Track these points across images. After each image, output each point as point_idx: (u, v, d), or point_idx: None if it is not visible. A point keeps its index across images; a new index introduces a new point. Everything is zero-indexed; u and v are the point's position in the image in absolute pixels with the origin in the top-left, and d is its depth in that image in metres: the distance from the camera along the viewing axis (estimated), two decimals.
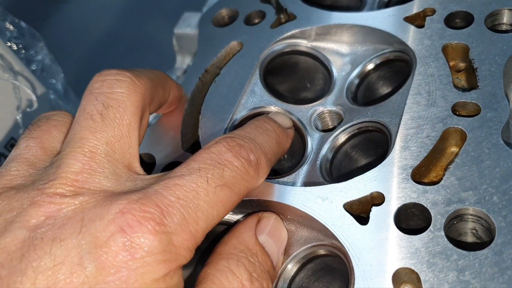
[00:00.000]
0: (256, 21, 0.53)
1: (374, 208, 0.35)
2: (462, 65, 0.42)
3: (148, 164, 0.44)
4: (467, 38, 0.42)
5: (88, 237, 0.28)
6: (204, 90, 0.48)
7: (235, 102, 0.46)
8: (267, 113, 0.45)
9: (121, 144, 0.34)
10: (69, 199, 0.30)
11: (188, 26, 0.57)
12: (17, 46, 0.75)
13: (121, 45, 0.94)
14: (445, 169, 0.35)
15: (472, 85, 0.40)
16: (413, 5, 0.46)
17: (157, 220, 0.29)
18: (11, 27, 0.76)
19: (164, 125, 0.47)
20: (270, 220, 0.37)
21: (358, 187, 0.36)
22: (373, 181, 0.36)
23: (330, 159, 0.42)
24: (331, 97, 0.47)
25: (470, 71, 0.40)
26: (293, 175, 0.42)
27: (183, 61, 0.59)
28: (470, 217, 0.33)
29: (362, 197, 0.36)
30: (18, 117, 0.52)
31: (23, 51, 0.77)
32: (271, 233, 0.36)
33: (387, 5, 0.51)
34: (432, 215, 0.33)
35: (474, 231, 0.34)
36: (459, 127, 0.37)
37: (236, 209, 0.38)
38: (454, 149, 0.38)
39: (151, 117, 0.47)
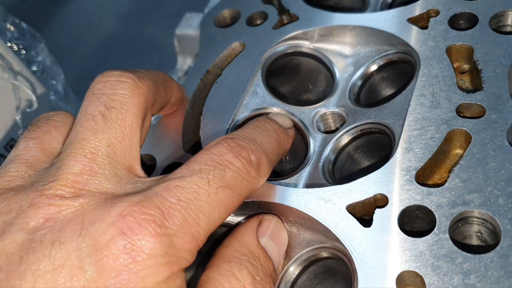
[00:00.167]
0: (258, 22, 0.52)
1: (377, 210, 0.34)
2: (466, 66, 0.42)
3: (149, 165, 0.44)
4: (472, 40, 0.41)
5: (88, 240, 0.28)
6: (205, 91, 0.48)
7: (237, 103, 0.45)
8: (269, 114, 0.44)
9: (123, 146, 0.33)
10: (69, 201, 0.29)
11: (189, 27, 0.57)
12: (17, 47, 0.75)
13: (122, 46, 0.94)
14: (450, 171, 0.35)
15: (476, 87, 0.39)
16: (417, 6, 0.46)
17: (158, 222, 0.28)
18: (12, 28, 0.76)
19: (165, 126, 0.47)
20: (271, 223, 0.37)
21: (361, 189, 0.36)
22: (376, 183, 0.36)
23: (332, 161, 0.42)
24: (333, 99, 0.47)
25: (475, 73, 0.40)
26: (295, 176, 0.42)
27: (184, 62, 0.59)
28: (475, 219, 0.33)
29: (365, 199, 0.35)
30: (17, 118, 0.52)
31: (24, 52, 0.77)
32: (272, 236, 0.36)
33: (390, 6, 0.51)
34: (437, 217, 0.33)
35: (479, 234, 0.34)
36: (464, 128, 0.36)
37: (237, 211, 0.38)
38: (458, 151, 0.37)
39: (152, 118, 0.46)
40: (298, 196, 0.37)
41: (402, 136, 0.38)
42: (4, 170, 0.33)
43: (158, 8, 0.95)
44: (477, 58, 0.40)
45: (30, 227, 0.28)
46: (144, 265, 0.27)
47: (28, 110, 0.54)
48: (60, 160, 0.32)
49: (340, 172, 0.42)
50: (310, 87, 0.52)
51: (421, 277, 0.31)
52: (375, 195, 0.35)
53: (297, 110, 0.46)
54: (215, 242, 0.36)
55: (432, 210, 0.33)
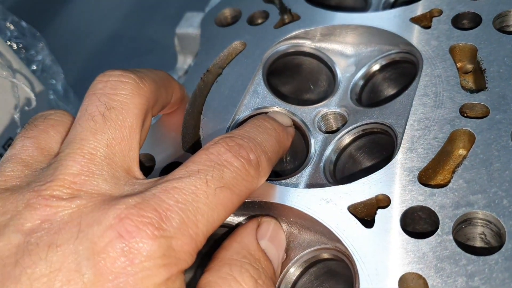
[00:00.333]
0: (259, 21, 0.52)
1: (379, 211, 0.34)
2: (469, 66, 0.41)
3: (147, 165, 0.43)
4: (475, 39, 0.41)
5: (85, 243, 0.27)
6: (206, 90, 0.48)
7: (237, 102, 0.45)
8: (268, 113, 0.44)
9: (122, 147, 0.33)
10: (65, 202, 0.29)
11: (190, 26, 0.56)
12: (17, 46, 0.75)
13: (122, 46, 0.93)
14: (453, 172, 0.34)
15: (480, 87, 0.39)
16: (420, 6, 0.46)
17: (156, 225, 0.28)
18: (12, 27, 0.75)
19: (164, 125, 0.46)
20: (270, 225, 0.36)
21: (363, 189, 0.35)
22: (378, 183, 0.35)
23: (334, 161, 0.42)
24: (335, 99, 0.46)
25: (478, 73, 0.40)
26: (296, 177, 0.41)
27: (185, 61, 0.58)
28: (479, 221, 0.32)
29: (367, 200, 0.35)
30: (16, 116, 0.52)
31: (23, 51, 0.76)
32: (271, 238, 0.35)
33: (392, 6, 0.51)
34: (440, 218, 0.32)
35: (482, 236, 0.33)
36: (467, 128, 0.36)
37: (237, 211, 0.37)
38: (461, 151, 0.37)
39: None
40: (299, 196, 0.36)
41: (404, 136, 0.37)
42: None
43: (159, 7, 0.95)
44: (481, 58, 0.40)
45: (26, 229, 0.28)
46: (142, 267, 0.27)
47: (26, 108, 0.54)
48: (58, 160, 0.31)
49: (342, 172, 0.42)
50: (311, 87, 0.51)
51: (424, 279, 0.30)
52: (377, 196, 0.35)
53: (298, 109, 0.45)
54: (215, 243, 0.35)
55: (435, 211, 0.33)
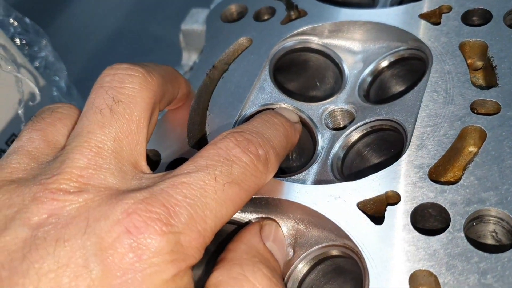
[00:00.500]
0: (266, 17, 0.51)
1: (389, 208, 0.33)
2: (479, 63, 0.41)
3: (154, 160, 0.43)
4: (486, 36, 0.40)
5: (93, 238, 0.27)
6: (211, 86, 0.47)
7: (243, 99, 0.44)
8: (275, 108, 0.43)
9: (129, 141, 0.32)
10: (73, 196, 0.28)
11: (195, 22, 0.56)
12: (20, 42, 0.74)
13: (126, 43, 0.93)
14: (464, 169, 0.34)
15: (490, 83, 0.38)
16: (428, 2, 0.45)
17: (164, 220, 0.27)
18: (15, 23, 0.75)
19: (170, 121, 0.46)
20: (272, 227, 0.36)
21: (372, 186, 0.35)
22: (388, 179, 0.35)
23: (341, 158, 0.41)
24: (342, 95, 0.46)
25: (489, 69, 0.39)
26: (303, 173, 0.41)
27: (190, 58, 0.58)
28: (491, 218, 0.32)
29: (376, 196, 0.34)
30: (20, 111, 0.51)
31: (27, 47, 0.76)
32: (275, 240, 0.35)
33: (400, 2, 0.50)
34: (451, 215, 0.32)
35: (493, 234, 0.33)
36: (478, 125, 0.35)
37: (245, 207, 0.37)
38: (472, 148, 0.36)
39: None
40: (306, 193, 0.36)
41: (414, 132, 0.37)
42: (5, 161, 0.32)
43: (163, 4, 0.95)
44: (492, 55, 0.39)
45: (33, 223, 0.27)
46: (150, 263, 0.26)
47: (31, 103, 0.53)
48: (65, 154, 0.31)
49: (349, 169, 0.41)
50: (318, 84, 0.51)
51: (435, 276, 0.30)
52: (386, 192, 0.34)
53: (305, 106, 0.45)
54: (224, 240, 0.35)
55: (446, 208, 0.32)
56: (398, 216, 0.33)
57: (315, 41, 0.49)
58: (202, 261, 0.33)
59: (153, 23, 0.94)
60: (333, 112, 0.45)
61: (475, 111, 0.37)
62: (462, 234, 0.31)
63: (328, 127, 0.44)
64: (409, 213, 0.33)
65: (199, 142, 0.43)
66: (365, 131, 0.42)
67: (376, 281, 0.30)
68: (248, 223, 0.38)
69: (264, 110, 0.44)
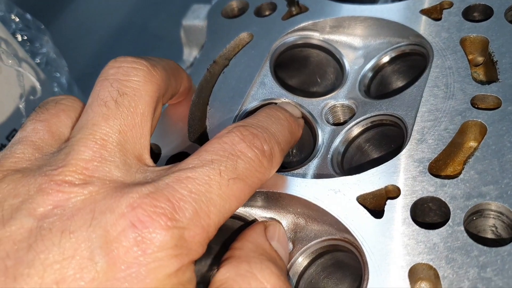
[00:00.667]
0: (267, 13, 0.51)
1: (389, 202, 0.33)
2: (480, 59, 0.41)
3: (155, 155, 0.43)
4: (487, 31, 0.40)
5: (99, 231, 0.27)
6: (212, 81, 0.47)
7: (244, 93, 0.44)
8: (277, 103, 0.43)
9: (133, 134, 0.32)
10: (78, 188, 0.28)
11: (196, 17, 0.56)
12: (22, 38, 0.74)
13: (127, 41, 0.93)
14: (464, 163, 0.34)
15: (491, 78, 0.38)
16: None
17: (169, 215, 0.27)
18: (17, 19, 0.75)
19: (170, 116, 0.46)
20: (276, 227, 0.36)
21: (372, 180, 0.35)
22: (388, 173, 0.35)
23: (342, 152, 0.41)
24: (343, 91, 0.46)
25: (490, 65, 0.39)
26: (303, 168, 0.41)
27: (190, 54, 0.58)
28: (491, 213, 0.32)
29: (376, 190, 0.34)
30: (21, 106, 0.51)
31: (28, 44, 0.76)
32: (279, 240, 0.35)
33: None
34: (451, 209, 0.32)
35: (493, 229, 0.33)
36: (479, 120, 0.35)
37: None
38: (472, 143, 0.36)
39: None
40: (306, 187, 0.36)
41: (414, 127, 0.37)
42: (9, 151, 0.32)
43: (165, 1, 0.95)
44: (493, 50, 0.39)
45: (38, 214, 0.27)
46: (155, 257, 0.27)
47: (32, 97, 0.53)
48: (70, 145, 0.31)
49: (349, 164, 0.41)
50: (319, 80, 0.51)
51: (434, 269, 0.30)
52: (386, 186, 0.34)
53: (305, 101, 0.45)
54: (232, 234, 0.35)
55: (446, 201, 0.32)
56: (398, 210, 0.33)
57: (316, 37, 0.49)
58: (205, 258, 0.33)
59: (154, 20, 0.94)
60: (333, 108, 0.45)
61: (476, 106, 0.36)
62: (462, 228, 0.31)
63: (328, 122, 0.44)
64: (409, 207, 0.33)
65: (200, 137, 0.43)
66: (365, 126, 0.42)
67: (376, 275, 0.30)
68: (247, 220, 0.37)
69: (265, 105, 0.44)
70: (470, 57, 0.40)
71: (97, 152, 0.30)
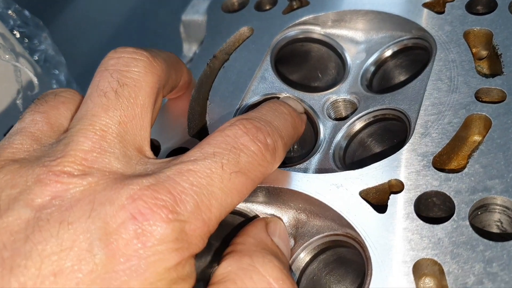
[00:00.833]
0: (267, 7, 0.51)
1: (392, 196, 0.33)
2: (484, 53, 0.40)
3: (155, 147, 0.42)
4: (491, 24, 0.40)
5: (98, 222, 0.26)
6: (212, 76, 0.46)
7: (244, 88, 0.44)
8: (279, 98, 0.43)
9: (133, 125, 0.32)
10: (77, 179, 0.28)
11: (196, 12, 0.55)
12: (20, 35, 0.74)
13: (127, 37, 0.92)
14: (469, 157, 0.33)
15: (495, 72, 0.38)
16: None
17: (170, 208, 0.27)
18: (14, 15, 0.74)
19: (170, 111, 0.45)
20: (277, 224, 0.35)
21: (375, 175, 0.34)
22: (391, 168, 0.34)
23: (344, 147, 0.40)
24: (344, 86, 0.45)
25: (494, 58, 0.38)
26: (305, 163, 0.40)
27: (190, 49, 0.57)
28: (496, 207, 0.31)
29: (379, 185, 0.34)
30: (18, 102, 0.50)
31: (26, 40, 0.75)
32: (281, 236, 0.34)
33: None
34: (456, 204, 0.31)
35: (499, 223, 0.32)
36: (483, 113, 0.35)
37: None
38: (476, 137, 0.36)
39: None
40: (308, 182, 0.35)
41: (418, 121, 0.36)
42: (8, 141, 0.31)
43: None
44: (497, 43, 0.39)
45: (36, 204, 0.27)
46: (154, 250, 0.26)
47: (29, 93, 0.53)
48: (69, 136, 0.30)
49: (351, 159, 0.41)
50: (320, 75, 0.50)
51: (439, 265, 0.29)
52: (389, 181, 0.34)
53: (307, 96, 0.44)
54: (232, 230, 0.34)
55: (450, 196, 0.32)
56: (401, 205, 0.32)
57: (317, 31, 0.48)
58: (206, 254, 0.33)
59: (154, 16, 0.93)
60: (335, 103, 0.44)
61: (480, 99, 0.36)
62: (467, 223, 0.30)
63: (330, 117, 0.43)
64: (413, 201, 0.32)
65: (200, 132, 0.43)
66: (368, 121, 0.41)
67: (379, 270, 0.30)
68: (247, 216, 0.37)
69: (266, 99, 0.44)
70: (474, 50, 0.40)
71: (96, 143, 0.30)
